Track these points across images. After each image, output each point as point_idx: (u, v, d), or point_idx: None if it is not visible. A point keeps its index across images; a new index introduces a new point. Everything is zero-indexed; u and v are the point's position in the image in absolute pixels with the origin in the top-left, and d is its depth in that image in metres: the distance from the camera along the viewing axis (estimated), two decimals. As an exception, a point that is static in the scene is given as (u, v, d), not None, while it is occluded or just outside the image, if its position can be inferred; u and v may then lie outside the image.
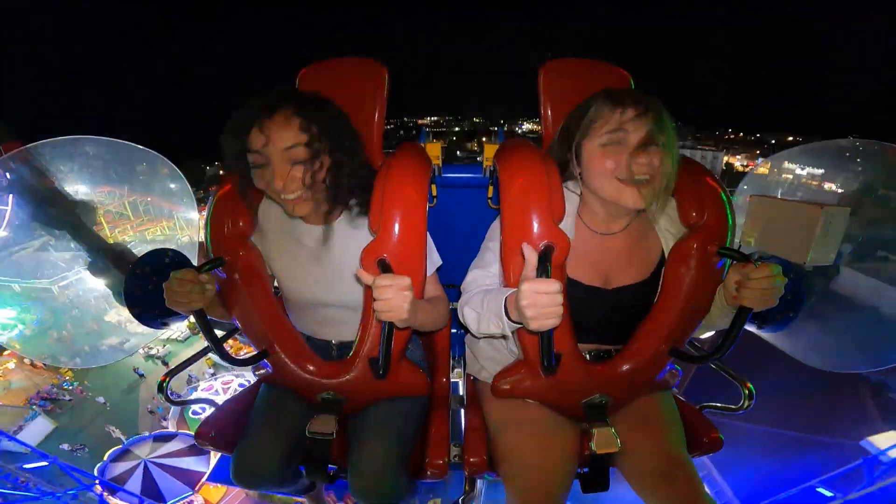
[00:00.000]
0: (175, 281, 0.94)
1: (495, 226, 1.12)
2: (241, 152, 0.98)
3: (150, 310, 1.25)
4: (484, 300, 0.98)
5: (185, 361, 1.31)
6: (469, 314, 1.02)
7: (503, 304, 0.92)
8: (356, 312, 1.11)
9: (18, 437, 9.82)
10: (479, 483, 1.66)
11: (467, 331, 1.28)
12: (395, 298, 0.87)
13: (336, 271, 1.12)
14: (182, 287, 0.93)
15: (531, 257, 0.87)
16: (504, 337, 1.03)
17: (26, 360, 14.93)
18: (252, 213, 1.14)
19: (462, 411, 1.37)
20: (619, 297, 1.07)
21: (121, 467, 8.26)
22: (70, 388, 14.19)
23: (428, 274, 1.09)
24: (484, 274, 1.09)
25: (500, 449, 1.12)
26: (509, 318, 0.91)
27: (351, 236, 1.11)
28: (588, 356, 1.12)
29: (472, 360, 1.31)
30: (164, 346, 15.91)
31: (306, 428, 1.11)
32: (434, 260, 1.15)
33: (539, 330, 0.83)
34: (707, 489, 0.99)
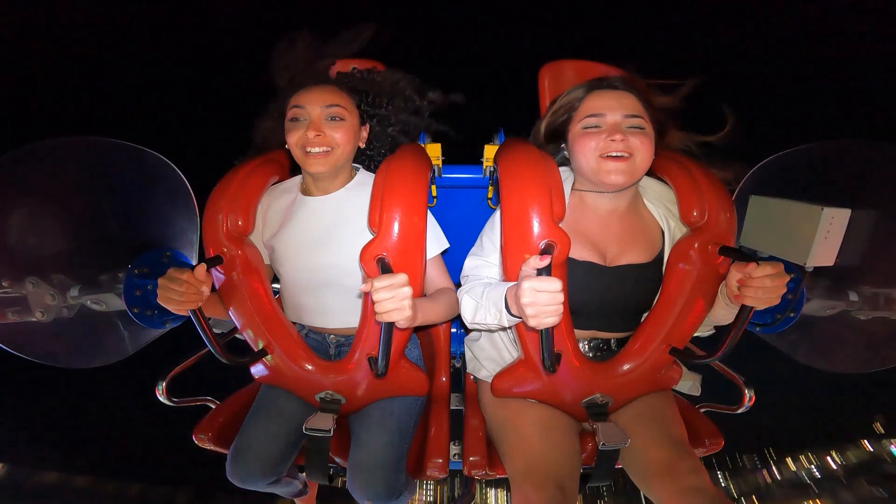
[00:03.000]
0: (170, 279, 0.92)
1: (495, 218, 1.12)
2: (282, 109, 1.12)
3: (149, 309, 1.25)
4: (484, 291, 0.99)
5: (182, 362, 1.31)
6: (467, 303, 1.02)
7: (503, 296, 0.92)
8: (357, 282, 1.11)
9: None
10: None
11: (467, 330, 1.28)
12: (394, 298, 0.86)
13: (339, 238, 1.13)
14: (177, 286, 0.92)
15: (534, 263, 0.86)
16: (502, 329, 1.02)
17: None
18: (251, 211, 1.14)
19: (462, 411, 1.37)
20: (620, 276, 1.06)
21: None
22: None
23: (431, 256, 1.09)
24: (484, 263, 1.09)
25: (504, 448, 1.11)
26: (509, 312, 0.91)
27: (355, 196, 1.16)
28: (586, 346, 1.12)
29: (471, 360, 1.31)
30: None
31: (304, 424, 1.11)
32: (440, 242, 1.15)
33: (539, 328, 0.83)
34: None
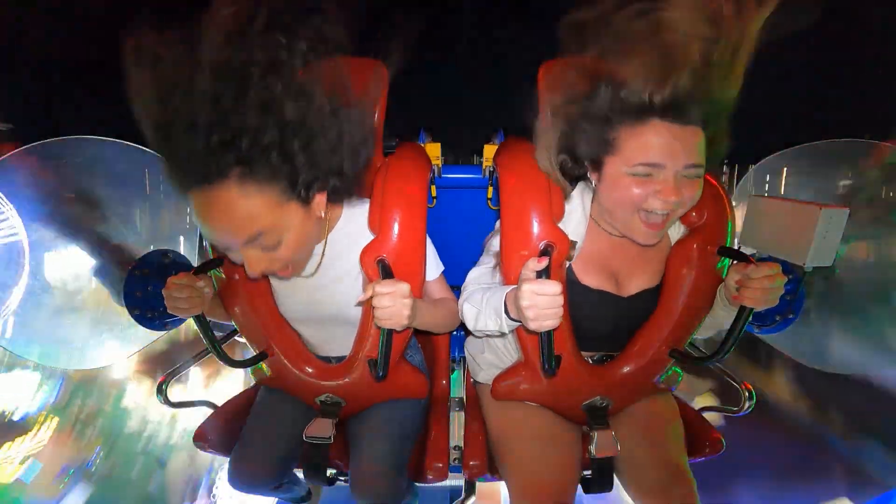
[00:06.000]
0: (173, 287, 0.92)
1: (497, 225, 1.12)
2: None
3: (150, 311, 1.24)
4: (484, 297, 0.98)
5: (183, 363, 1.31)
6: (468, 310, 1.01)
7: (503, 301, 0.92)
8: (355, 328, 1.08)
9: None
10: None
11: (468, 333, 1.28)
12: (394, 306, 0.86)
13: (335, 288, 1.06)
14: (181, 293, 0.92)
15: (533, 265, 0.86)
16: (502, 335, 1.02)
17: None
18: None
19: (462, 414, 1.36)
20: (633, 304, 1.05)
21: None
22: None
23: (432, 278, 1.08)
24: (486, 272, 1.08)
25: (503, 452, 1.11)
26: (508, 316, 0.91)
27: (346, 247, 1.02)
28: (590, 360, 1.11)
29: (471, 363, 1.31)
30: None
31: (303, 432, 1.11)
32: (437, 265, 1.12)
33: (538, 330, 0.83)
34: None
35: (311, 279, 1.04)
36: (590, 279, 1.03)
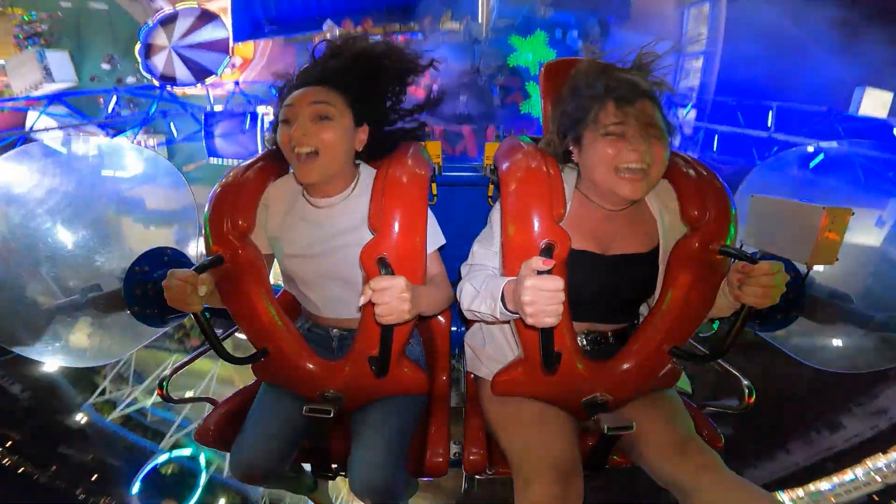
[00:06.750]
0: (175, 282, 0.93)
1: (497, 209, 1.11)
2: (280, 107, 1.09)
3: (149, 308, 1.24)
4: (485, 281, 1.00)
5: (184, 361, 1.31)
6: (468, 290, 1.03)
7: (501, 289, 0.92)
8: (357, 289, 1.10)
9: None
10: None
11: (468, 326, 1.28)
12: (393, 302, 0.86)
13: (343, 245, 1.12)
14: (182, 289, 0.93)
15: (536, 265, 0.86)
16: (495, 321, 1.02)
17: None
18: (252, 210, 1.14)
19: (462, 409, 1.37)
20: (617, 265, 1.06)
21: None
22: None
23: (429, 251, 1.09)
24: (492, 253, 1.09)
25: (505, 441, 1.12)
26: (505, 307, 0.91)
27: (361, 204, 1.10)
28: (584, 340, 1.12)
29: (472, 358, 1.31)
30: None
31: (304, 406, 1.10)
32: (437, 239, 1.14)
33: (536, 326, 0.83)
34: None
35: (324, 228, 1.13)
36: (574, 241, 1.02)
